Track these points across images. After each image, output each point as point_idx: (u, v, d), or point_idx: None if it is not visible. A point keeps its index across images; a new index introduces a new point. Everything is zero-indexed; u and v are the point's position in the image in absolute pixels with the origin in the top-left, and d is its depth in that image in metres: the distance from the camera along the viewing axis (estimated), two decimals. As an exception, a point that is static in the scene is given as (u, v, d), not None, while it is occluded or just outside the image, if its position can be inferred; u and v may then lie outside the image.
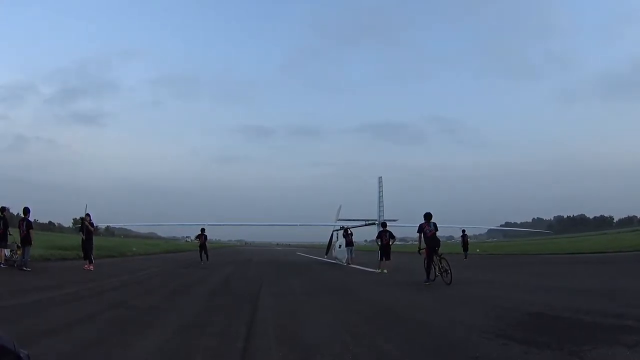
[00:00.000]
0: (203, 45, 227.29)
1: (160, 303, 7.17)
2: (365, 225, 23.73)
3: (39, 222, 66.20)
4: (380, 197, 21.75)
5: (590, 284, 9.05)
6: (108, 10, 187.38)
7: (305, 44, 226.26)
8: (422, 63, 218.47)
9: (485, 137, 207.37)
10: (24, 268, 11.37)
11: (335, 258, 22.09)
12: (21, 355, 1.24)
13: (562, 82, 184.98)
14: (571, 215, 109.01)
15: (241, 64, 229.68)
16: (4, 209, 12.55)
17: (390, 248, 14.93)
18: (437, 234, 10.45)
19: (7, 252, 12.21)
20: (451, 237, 61.33)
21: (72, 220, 75.53)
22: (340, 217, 24.74)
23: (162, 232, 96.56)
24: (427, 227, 10.32)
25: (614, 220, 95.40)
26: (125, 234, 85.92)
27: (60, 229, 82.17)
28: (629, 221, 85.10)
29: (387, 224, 16.59)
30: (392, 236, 15.26)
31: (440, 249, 10.31)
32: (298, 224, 31.38)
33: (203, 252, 19.79)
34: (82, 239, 13.55)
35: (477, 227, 58.88)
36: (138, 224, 53.47)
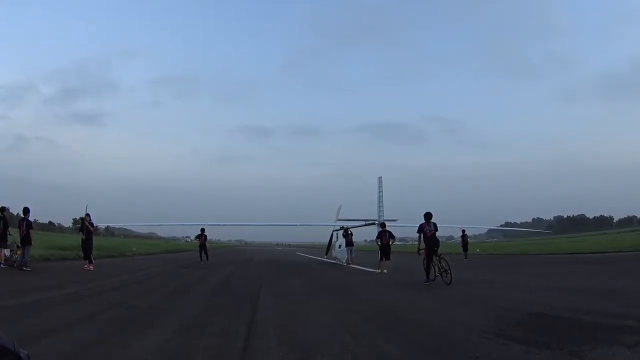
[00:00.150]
0: (203, 45, 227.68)
1: (160, 303, 7.17)
2: (365, 225, 23.73)
3: (39, 222, 66.23)
4: (380, 197, 21.75)
5: (590, 284, 9.05)
6: (108, 10, 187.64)
7: (305, 44, 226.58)
8: (422, 63, 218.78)
9: (485, 137, 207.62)
10: (24, 268, 11.37)
11: (335, 258, 22.09)
12: (21, 355, 1.24)
13: (562, 82, 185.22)
14: (571, 215, 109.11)
15: (241, 64, 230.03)
16: (4, 209, 12.55)
17: (390, 248, 14.94)
18: (437, 234, 10.45)
19: (7, 252, 12.21)
20: (451, 237, 61.38)
21: (72, 220, 75.65)
22: (340, 217, 24.74)
23: (162, 232, 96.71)
24: (427, 227, 10.31)
25: (614, 220, 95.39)
26: (125, 234, 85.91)
27: (60, 229, 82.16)
28: (629, 221, 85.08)
29: (387, 224, 16.61)
30: (391, 236, 15.26)
31: (439, 249, 10.31)
32: (298, 224, 31.41)
33: (203, 252, 19.78)
34: (82, 239, 13.54)
35: (477, 227, 59.05)
36: (138, 224, 53.50)
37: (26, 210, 12.33)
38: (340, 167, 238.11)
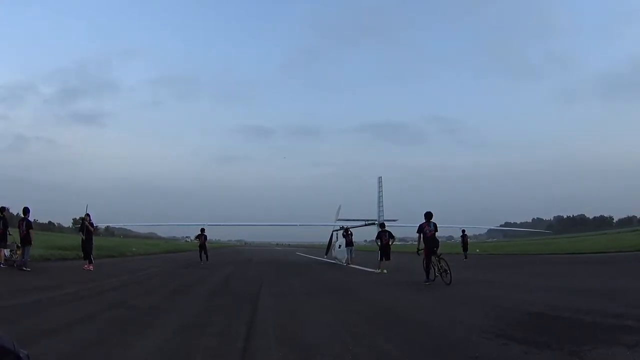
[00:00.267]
0: (203, 45, 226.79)
1: (160, 303, 7.17)
2: (365, 225, 23.73)
3: (39, 222, 66.18)
4: (380, 197, 21.74)
5: (590, 284, 9.05)
6: (108, 10, 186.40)
7: (305, 44, 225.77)
8: (422, 63, 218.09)
9: (485, 137, 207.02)
10: (24, 268, 11.37)
11: (335, 258, 22.10)
12: (21, 355, 1.24)
13: (562, 82, 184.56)
14: (571, 215, 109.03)
15: (241, 64, 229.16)
16: (3, 209, 12.54)
17: (390, 248, 14.95)
18: (437, 234, 10.44)
19: (7, 252, 12.20)
20: (451, 237, 61.37)
21: (72, 220, 75.78)
22: (340, 217, 24.74)
23: (162, 232, 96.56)
24: (427, 227, 10.31)
25: (614, 220, 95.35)
26: (125, 234, 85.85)
27: (60, 229, 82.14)
28: (629, 221, 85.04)
29: (386, 224, 16.62)
30: (391, 236, 15.27)
31: (439, 249, 10.31)
32: (298, 224, 31.41)
33: (203, 252, 19.78)
34: (82, 239, 13.54)
35: (477, 227, 58.97)
36: (138, 224, 53.60)
37: (26, 210, 12.33)
38: (340, 167, 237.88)
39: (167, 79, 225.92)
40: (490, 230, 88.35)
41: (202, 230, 20.80)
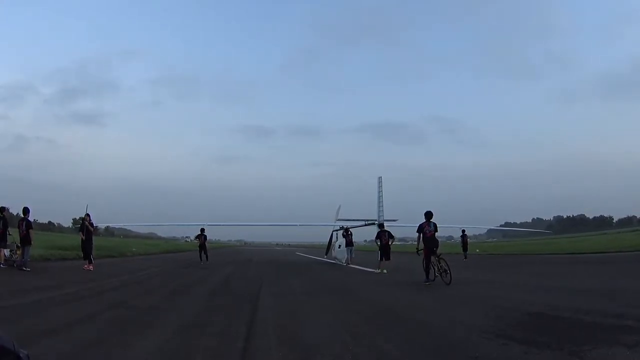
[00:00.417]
0: (203, 45, 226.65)
1: (160, 303, 7.17)
2: (365, 225, 23.73)
3: (39, 222, 66.14)
4: (380, 197, 21.74)
5: (590, 284, 9.05)
6: (108, 10, 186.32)
7: (305, 44, 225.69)
8: (422, 63, 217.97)
9: (485, 137, 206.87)
10: (24, 268, 11.36)
11: (335, 258, 22.10)
12: (21, 355, 1.24)
13: (562, 82, 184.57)
14: (571, 215, 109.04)
15: (241, 64, 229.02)
16: (3, 209, 12.54)
17: (390, 248, 14.96)
18: (437, 234, 10.44)
19: (6, 252, 12.19)
20: (451, 237, 61.41)
21: (72, 220, 75.76)
22: (340, 217, 24.74)
23: (162, 232, 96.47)
24: (427, 227, 10.30)
25: (614, 220, 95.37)
26: (125, 234, 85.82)
27: (60, 229, 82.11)
28: (629, 221, 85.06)
29: (385, 225, 16.62)
30: (391, 236, 15.29)
31: (439, 249, 10.31)
32: (298, 224, 31.41)
33: (203, 252, 19.78)
34: (82, 239, 13.54)
35: (476, 227, 59.05)
36: (138, 224, 53.62)
37: (26, 210, 12.33)
38: (340, 167, 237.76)
39: (167, 79, 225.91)
40: (490, 230, 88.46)
41: (202, 230, 20.79)
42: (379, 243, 15.09)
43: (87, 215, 13.67)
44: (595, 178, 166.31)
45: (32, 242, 11.95)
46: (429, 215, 10.38)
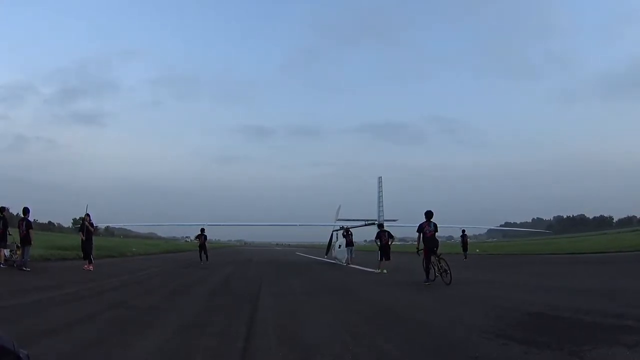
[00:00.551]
0: (203, 45, 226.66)
1: (160, 303, 7.17)
2: (365, 225, 23.74)
3: (39, 222, 66.11)
4: (380, 197, 21.75)
5: (590, 284, 9.05)
6: (108, 10, 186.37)
7: (305, 44, 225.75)
8: (422, 63, 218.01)
9: (485, 137, 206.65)
10: (24, 268, 11.37)
11: (335, 258, 22.11)
12: (21, 355, 1.24)
13: (562, 82, 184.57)
14: (571, 215, 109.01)
15: (241, 64, 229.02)
16: (3, 209, 12.54)
17: (389, 248, 14.96)
18: (437, 234, 10.44)
19: (6, 252, 12.19)
20: (451, 237, 61.41)
21: (72, 221, 75.70)
22: (340, 217, 24.75)
23: (162, 232, 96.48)
24: (427, 227, 10.30)
25: (614, 220, 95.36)
26: (125, 234, 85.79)
27: (60, 229, 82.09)
28: (629, 221, 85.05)
29: (385, 225, 16.62)
30: (390, 236, 15.31)
31: (439, 249, 10.31)
32: (298, 224, 31.42)
33: (203, 252, 19.79)
34: (82, 239, 13.54)
35: (476, 227, 59.02)
36: (138, 224, 53.66)
37: (26, 210, 12.33)
38: (340, 167, 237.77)
39: (167, 79, 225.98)
40: (490, 230, 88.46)
41: (202, 230, 20.80)
42: (378, 243, 15.10)
43: (87, 215, 13.67)
44: (595, 178, 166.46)
45: (32, 242, 11.95)
46: (429, 214, 10.38)
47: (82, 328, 4.80)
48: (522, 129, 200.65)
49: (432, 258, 10.11)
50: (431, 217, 10.38)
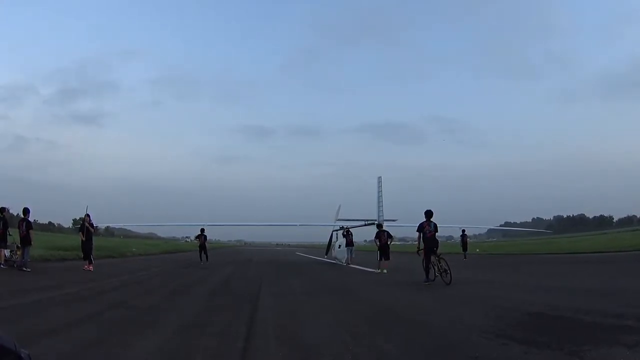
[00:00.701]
0: (203, 45, 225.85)
1: (160, 303, 7.18)
2: (365, 225, 23.75)
3: (39, 223, 66.03)
4: (380, 197, 21.76)
5: (590, 283, 9.05)
6: (108, 10, 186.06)
7: (305, 44, 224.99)
8: (422, 63, 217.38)
9: (485, 137, 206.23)
10: (24, 268, 11.37)
11: (335, 258, 22.12)
12: (22, 355, 1.24)
13: (562, 82, 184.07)
14: (571, 215, 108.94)
15: (241, 64, 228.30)
16: (3, 209, 12.54)
17: (389, 248, 14.98)
18: (437, 234, 10.43)
19: (7, 252, 12.20)
20: (451, 237, 61.36)
21: (72, 221, 75.70)
22: (340, 217, 24.76)
23: (161, 233, 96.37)
24: (427, 227, 10.30)
25: (614, 220, 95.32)
26: (125, 234, 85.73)
27: (60, 229, 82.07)
28: (629, 221, 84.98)
29: (385, 225, 16.63)
30: (389, 236, 15.33)
31: (438, 249, 10.31)
32: (298, 224, 31.43)
33: (203, 252, 19.79)
34: (82, 239, 13.54)
35: (476, 227, 59.08)
36: (138, 224, 53.73)
37: (26, 211, 12.33)
38: (340, 167, 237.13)
39: (167, 79, 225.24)
40: (490, 230, 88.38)
41: (202, 230, 20.80)
42: (377, 243, 15.12)
43: (87, 215, 13.67)
44: (595, 178, 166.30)
45: (32, 243, 11.95)
46: (429, 214, 10.37)
47: (83, 328, 4.81)
48: (522, 129, 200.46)
49: (432, 258, 10.11)
50: (431, 217, 10.38)
